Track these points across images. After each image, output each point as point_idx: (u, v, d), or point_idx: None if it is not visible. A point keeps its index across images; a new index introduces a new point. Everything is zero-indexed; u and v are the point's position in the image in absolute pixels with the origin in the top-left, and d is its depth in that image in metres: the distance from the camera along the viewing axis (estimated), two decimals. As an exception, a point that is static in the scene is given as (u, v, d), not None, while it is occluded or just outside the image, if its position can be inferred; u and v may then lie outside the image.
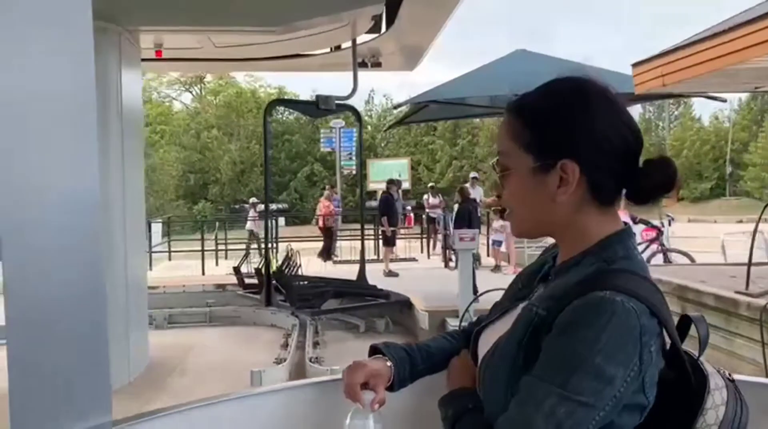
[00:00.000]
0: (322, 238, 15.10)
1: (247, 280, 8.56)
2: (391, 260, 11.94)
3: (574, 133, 0.98)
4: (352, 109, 6.42)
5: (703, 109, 45.20)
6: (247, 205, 17.37)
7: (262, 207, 31.82)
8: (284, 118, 41.47)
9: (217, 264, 13.35)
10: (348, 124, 33.94)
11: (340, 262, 13.63)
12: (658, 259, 9.84)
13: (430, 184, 17.02)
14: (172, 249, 15.18)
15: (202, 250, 12.42)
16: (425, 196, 16.15)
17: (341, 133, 30.53)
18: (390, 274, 11.10)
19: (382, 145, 39.92)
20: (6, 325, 0.93)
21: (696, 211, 33.56)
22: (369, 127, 39.79)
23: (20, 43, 0.91)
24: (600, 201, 1.01)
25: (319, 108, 5.92)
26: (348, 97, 6.19)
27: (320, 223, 15.34)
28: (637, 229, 9.82)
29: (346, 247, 14.58)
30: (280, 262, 8.06)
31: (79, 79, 0.97)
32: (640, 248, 9.87)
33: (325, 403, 1.30)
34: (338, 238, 15.45)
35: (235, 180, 36.77)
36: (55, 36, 0.94)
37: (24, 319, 0.95)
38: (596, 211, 1.01)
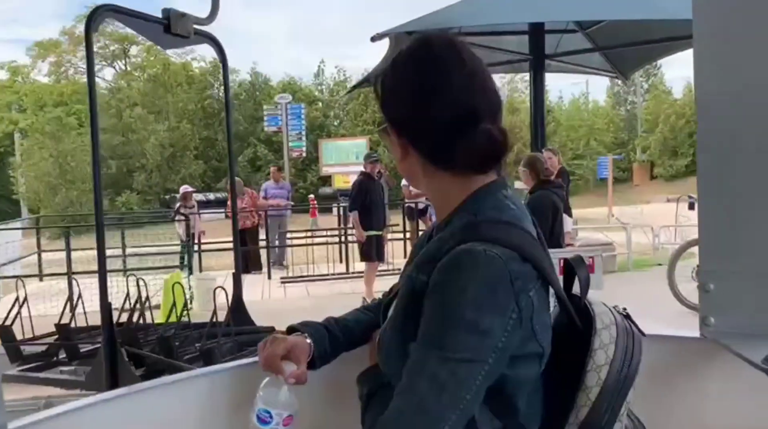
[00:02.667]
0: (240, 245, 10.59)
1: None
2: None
3: (396, 101, 1.00)
4: (213, 41, 4.12)
5: (675, 81, 42.76)
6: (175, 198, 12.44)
7: (201, 197, 26.99)
8: (220, 94, 36.53)
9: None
10: (295, 100, 29.66)
11: (292, 280, 9.35)
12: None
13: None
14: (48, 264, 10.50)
15: (69, 274, 7.88)
16: (404, 181, 11.86)
17: (288, 110, 26.41)
18: (374, 305, 6.90)
19: (336, 123, 35.51)
20: None
21: (672, 189, 31.02)
22: (320, 104, 35.42)
23: None
24: (443, 167, 0.99)
25: (170, 31, 3.71)
26: (206, 21, 3.94)
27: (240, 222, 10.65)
28: None
29: (300, 256, 10.31)
30: (131, 304, 4.28)
31: None
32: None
33: (243, 387, 1.19)
34: (287, 241, 11.12)
35: (165, 166, 31.76)
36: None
37: None
38: (449, 176, 0.99)
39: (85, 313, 4.16)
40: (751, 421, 1.19)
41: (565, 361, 0.96)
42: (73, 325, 4.19)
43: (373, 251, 7.40)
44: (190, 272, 8.05)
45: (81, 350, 4.05)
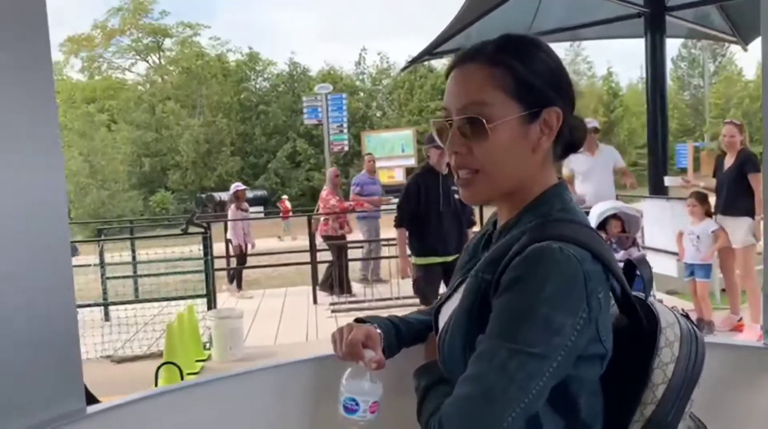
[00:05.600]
0: (321, 258, 8.24)
1: None
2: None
3: (555, 81, 0.98)
4: None
5: (746, 61, 39.13)
6: (221, 196, 10.07)
7: (255, 194, 24.92)
8: (257, 86, 34.76)
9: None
10: (336, 89, 27.61)
11: (344, 306, 7.11)
12: None
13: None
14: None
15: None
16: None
17: (328, 101, 24.42)
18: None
19: (378, 114, 33.31)
20: None
21: (748, 179, 27.86)
22: (362, 94, 33.29)
23: None
24: (556, 153, 1.00)
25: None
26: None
27: (324, 227, 8.11)
28: None
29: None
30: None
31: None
32: None
33: (319, 379, 1.25)
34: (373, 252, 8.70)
35: (200, 163, 30.13)
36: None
37: None
38: (550, 165, 1.00)
39: None
40: None
41: (627, 360, 0.95)
42: None
43: (429, 289, 4.49)
44: (209, 306, 5.87)
45: None
